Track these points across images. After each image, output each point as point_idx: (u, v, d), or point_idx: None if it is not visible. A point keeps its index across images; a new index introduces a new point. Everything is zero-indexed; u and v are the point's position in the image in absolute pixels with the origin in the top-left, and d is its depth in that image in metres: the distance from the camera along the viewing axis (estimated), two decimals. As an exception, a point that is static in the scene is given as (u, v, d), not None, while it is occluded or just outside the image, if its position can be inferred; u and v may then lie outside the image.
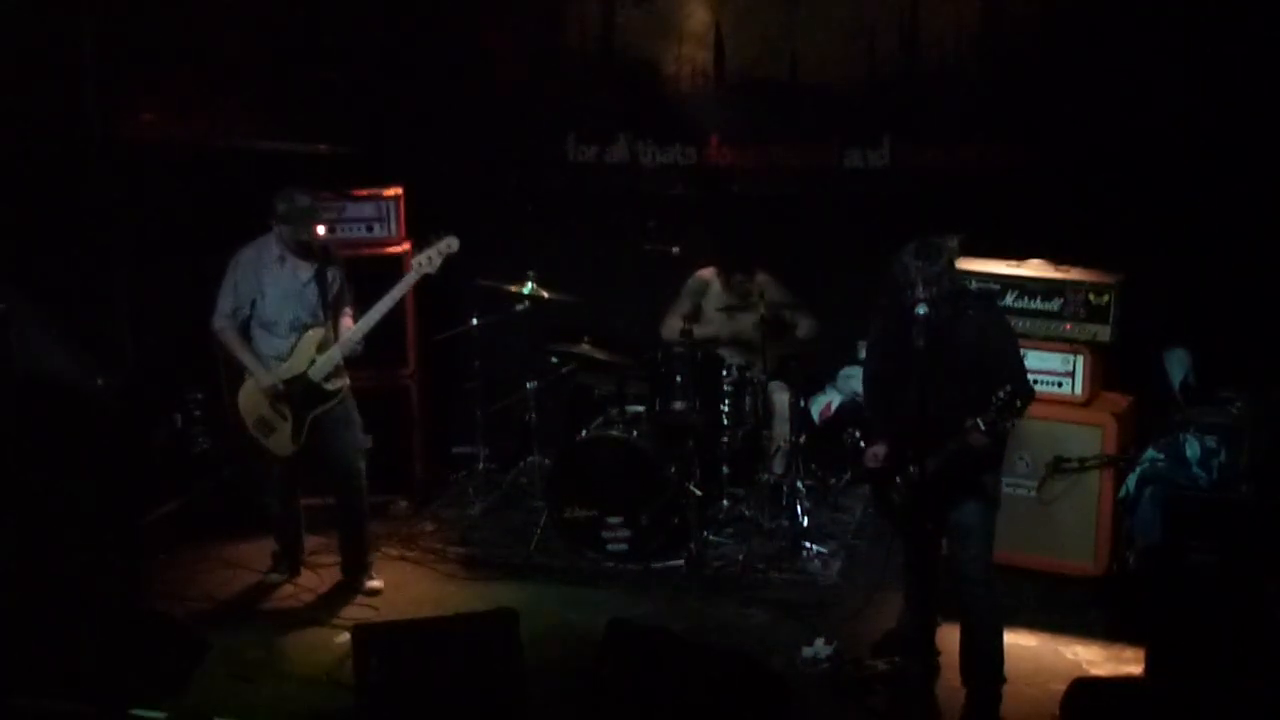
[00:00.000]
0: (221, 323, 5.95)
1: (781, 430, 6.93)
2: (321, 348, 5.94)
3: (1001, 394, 4.61)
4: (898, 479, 4.94)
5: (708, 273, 7.11)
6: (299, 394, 5.95)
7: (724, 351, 6.88)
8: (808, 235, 7.43)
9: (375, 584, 6.25)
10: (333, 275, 6.01)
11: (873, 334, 5.23)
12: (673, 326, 6.99)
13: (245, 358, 5.96)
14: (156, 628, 5.63)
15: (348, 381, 6.07)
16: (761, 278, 7.00)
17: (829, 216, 7.45)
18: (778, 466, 6.93)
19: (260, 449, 6.07)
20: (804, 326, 6.92)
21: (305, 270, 5.95)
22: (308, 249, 5.93)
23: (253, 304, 5.94)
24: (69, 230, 6.64)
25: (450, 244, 5.94)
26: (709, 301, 7.12)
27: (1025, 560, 6.16)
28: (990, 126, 7.22)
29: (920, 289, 4.69)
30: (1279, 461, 5.77)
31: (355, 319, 6.04)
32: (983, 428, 4.64)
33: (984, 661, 5.06)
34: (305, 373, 5.94)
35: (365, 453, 6.24)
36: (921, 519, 4.95)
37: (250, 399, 6.00)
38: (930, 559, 5.06)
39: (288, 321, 5.94)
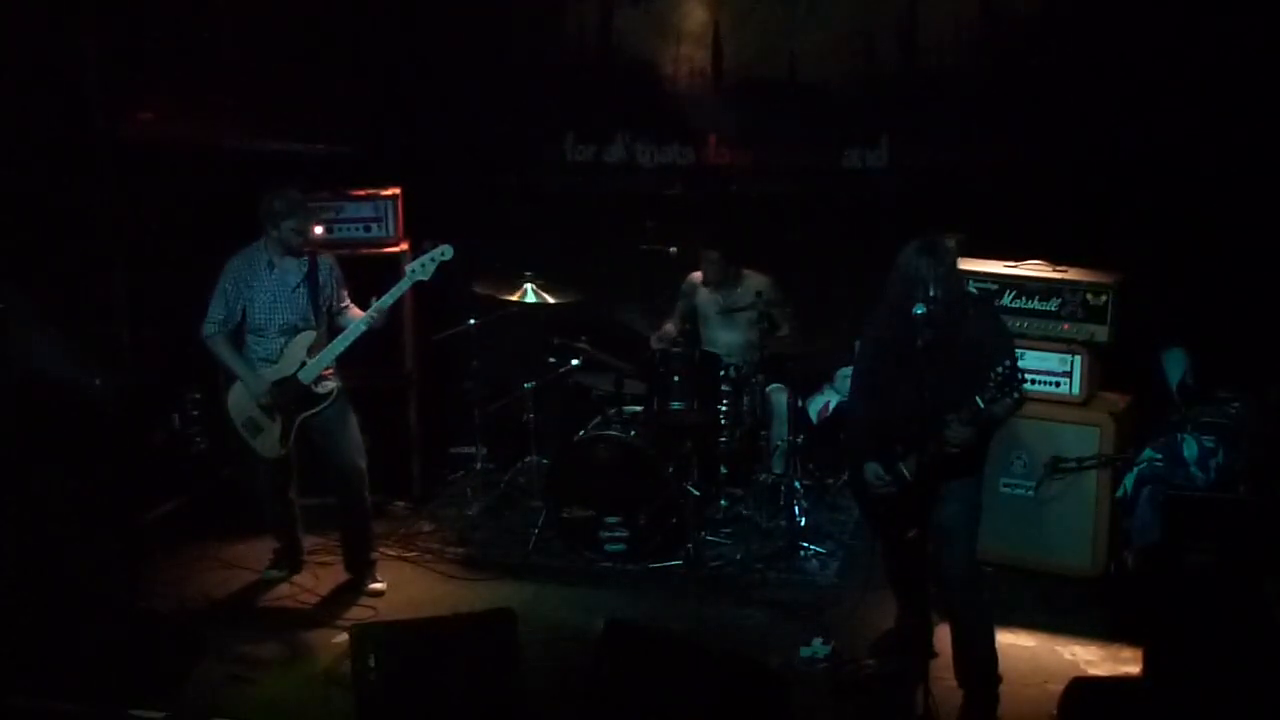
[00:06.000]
0: (211, 330, 5.94)
1: (779, 430, 6.94)
2: (312, 351, 5.94)
3: (1000, 369, 4.60)
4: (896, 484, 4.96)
5: (697, 275, 7.13)
6: (288, 397, 5.95)
7: (724, 352, 6.89)
8: (806, 235, 7.43)
9: (378, 585, 6.25)
10: (323, 277, 6.01)
11: (867, 335, 5.22)
12: (665, 332, 7.05)
13: (236, 366, 5.96)
14: (155, 627, 5.66)
15: (339, 384, 6.07)
16: (756, 278, 7.00)
17: (827, 217, 7.45)
18: (776, 466, 6.93)
19: (249, 449, 6.08)
20: (785, 327, 6.92)
21: (294, 274, 5.95)
22: (299, 251, 5.92)
23: (243, 311, 5.94)
24: (69, 230, 6.65)
25: (444, 252, 5.94)
26: (705, 305, 7.12)
27: (1023, 560, 6.18)
28: (989, 126, 7.22)
29: (931, 287, 4.68)
30: (1277, 462, 5.77)
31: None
32: (981, 405, 4.64)
33: (976, 663, 5.07)
34: (295, 375, 5.94)
35: (365, 452, 6.24)
36: (907, 522, 4.95)
37: (240, 399, 6.01)
38: (917, 560, 5.06)
39: (277, 326, 5.94)
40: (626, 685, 4.64)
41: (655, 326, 7.19)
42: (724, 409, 6.70)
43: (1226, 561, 5.17)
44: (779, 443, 6.92)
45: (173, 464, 7.06)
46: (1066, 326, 6.17)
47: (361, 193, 7.14)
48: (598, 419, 6.88)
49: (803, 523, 6.73)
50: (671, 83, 7.65)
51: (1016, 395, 4.70)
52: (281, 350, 5.96)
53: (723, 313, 7.03)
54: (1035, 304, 6.21)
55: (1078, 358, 6.16)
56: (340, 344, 5.96)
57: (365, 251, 6.99)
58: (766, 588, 6.29)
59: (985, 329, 4.91)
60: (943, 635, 5.21)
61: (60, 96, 6.71)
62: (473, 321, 7.07)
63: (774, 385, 6.96)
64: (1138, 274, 6.29)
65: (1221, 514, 5.40)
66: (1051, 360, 6.18)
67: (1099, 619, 5.84)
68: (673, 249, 7.08)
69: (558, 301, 6.92)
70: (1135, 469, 5.96)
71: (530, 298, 6.87)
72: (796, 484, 6.83)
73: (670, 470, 6.50)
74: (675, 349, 6.72)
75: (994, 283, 6.28)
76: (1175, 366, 6.30)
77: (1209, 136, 6.69)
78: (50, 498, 5.97)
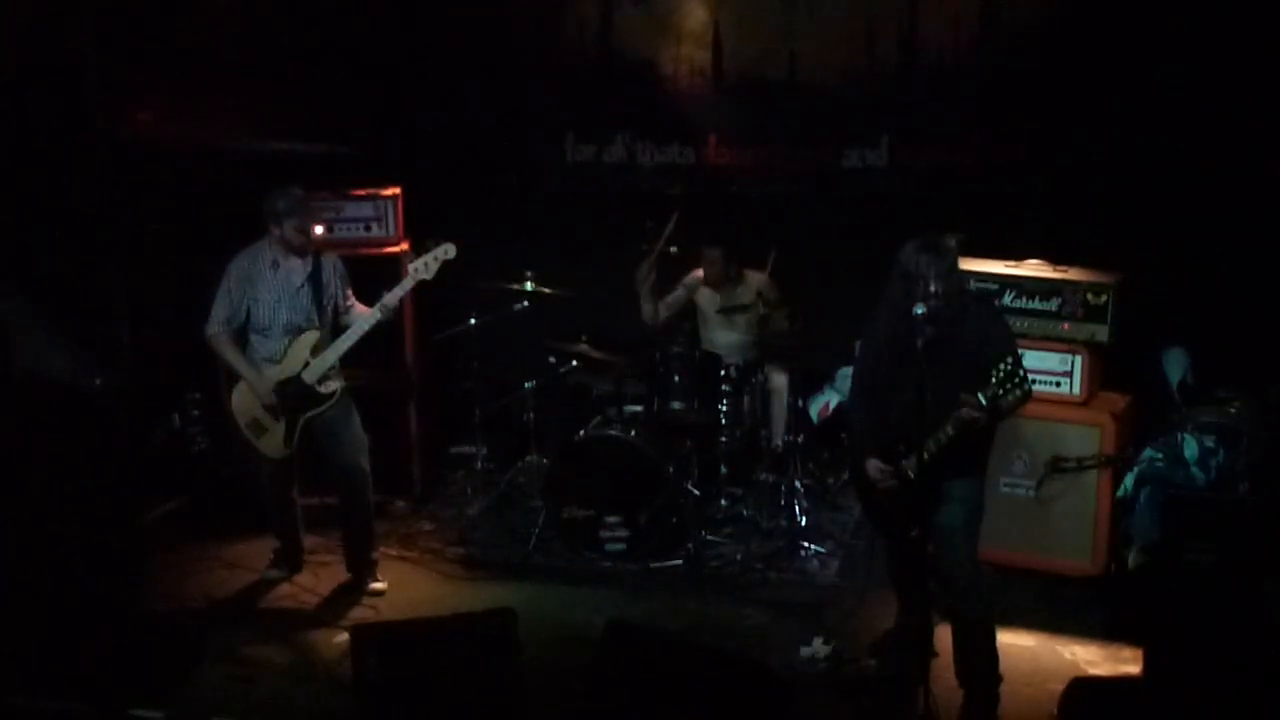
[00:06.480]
0: (215, 329, 5.94)
1: (779, 429, 6.94)
2: (316, 350, 5.94)
3: (1004, 366, 4.60)
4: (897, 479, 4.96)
5: (700, 273, 7.13)
6: (292, 397, 5.95)
7: (724, 351, 6.89)
8: (806, 235, 7.43)
9: (379, 585, 6.25)
10: (327, 276, 6.01)
11: (868, 335, 5.21)
12: (650, 304, 7.07)
13: (240, 365, 5.96)
14: (155, 627, 5.65)
15: (343, 384, 6.07)
16: (756, 277, 7.00)
17: (827, 217, 7.46)
18: (775, 465, 6.93)
19: (252, 449, 6.08)
20: (778, 320, 6.92)
21: (299, 274, 5.95)
22: (302, 250, 5.92)
23: (247, 311, 5.94)
24: (69, 230, 6.65)
25: (447, 250, 5.94)
26: (706, 304, 7.13)
27: (1023, 560, 6.16)
28: (989, 126, 7.23)
29: (932, 284, 4.68)
30: (1277, 461, 5.78)
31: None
32: (984, 401, 4.63)
33: (977, 662, 5.07)
34: (299, 375, 5.94)
35: (368, 452, 6.24)
36: (908, 521, 4.95)
37: (244, 400, 6.01)
38: (920, 560, 5.07)
39: (281, 325, 5.94)
40: (626, 685, 4.63)
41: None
42: (724, 408, 6.70)
43: (1226, 561, 5.17)
44: (779, 442, 6.92)
45: (173, 464, 7.06)
46: (1066, 326, 6.16)
47: (361, 193, 7.14)
48: (598, 419, 6.88)
49: (803, 523, 6.73)
50: (671, 83, 7.67)
51: (1019, 393, 4.70)
52: (285, 350, 5.96)
53: (723, 312, 7.03)
54: (1035, 304, 6.21)
55: (1078, 358, 6.16)
56: (344, 344, 5.96)
57: (365, 251, 6.98)
58: (766, 587, 6.29)
59: (986, 327, 4.91)
60: (943, 635, 5.21)
61: (60, 96, 6.71)
62: (473, 321, 7.08)
63: (774, 371, 6.92)
64: (1138, 274, 6.28)
65: (1221, 514, 5.41)
66: (1051, 360, 6.17)
67: (1099, 619, 5.84)
68: (673, 249, 7.08)
69: (555, 292, 6.93)
70: (1135, 469, 5.96)
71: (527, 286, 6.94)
72: (796, 484, 6.83)
73: (670, 470, 6.50)
74: (675, 348, 6.72)
75: (994, 283, 6.27)
76: (1175, 366, 6.30)
77: (1209, 136, 6.70)
78: (50, 498, 5.96)
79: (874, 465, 4.99)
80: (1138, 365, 6.39)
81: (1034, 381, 5.62)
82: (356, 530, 6.28)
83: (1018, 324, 6.02)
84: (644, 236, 7.12)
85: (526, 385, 7.17)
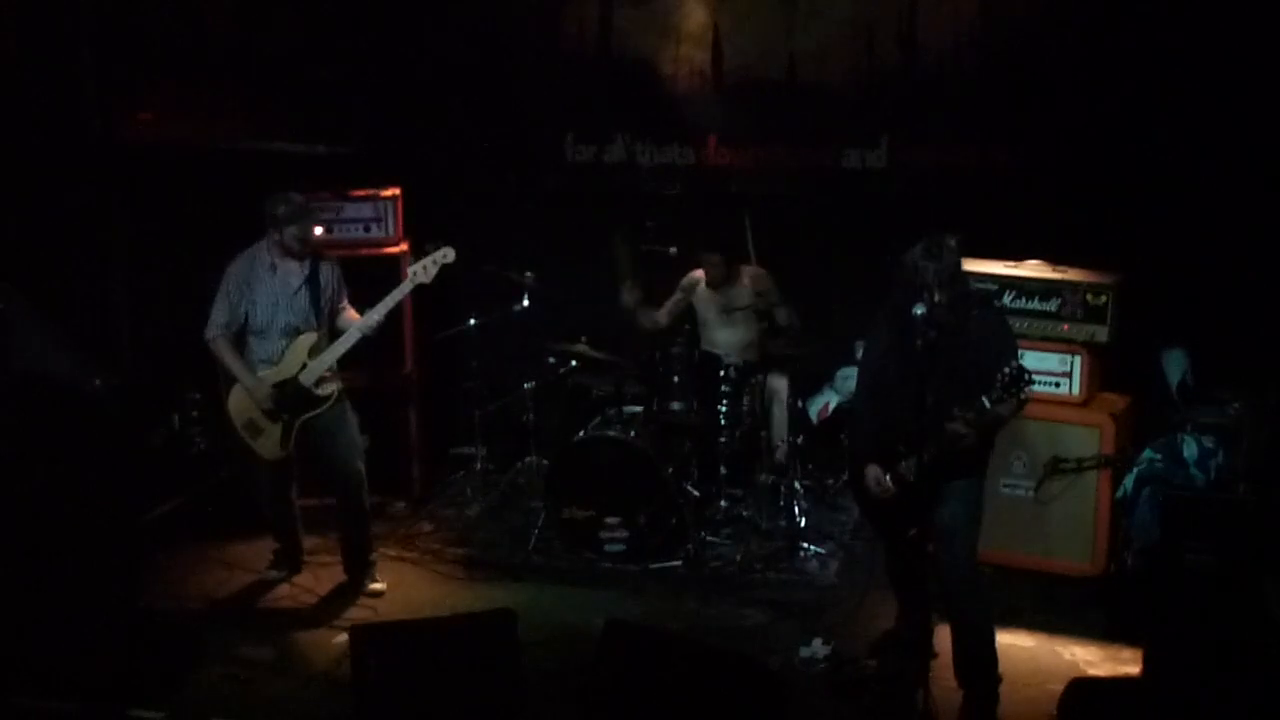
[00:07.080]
0: (214, 333, 5.93)
1: (779, 431, 6.94)
2: (313, 352, 5.94)
3: (1007, 370, 4.61)
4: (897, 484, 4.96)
5: (699, 273, 7.13)
6: (289, 399, 5.95)
7: (723, 352, 6.89)
8: (805, 236, 7.43)
9: (377, 586, 6.25)
10: (325, 279, 6.01)
11: (873, 335, 5.21)
12: (649, 315, 7.09)
13: (237, 369, 5.95)
14: (155, 627, 5.66)
15: (340, 386, 6.06)
16: (750, 273, 7.00)
17: (827, 217, 7.46)
18: (775, 467, 6.93)
19: (249, 451, 6.08)
20: (782, 315, 6.91)
21: (296, 276, 5.95)
22: (300, 253, 5.93)
23: (245, 313, 5.94)
24: (69, 230, 6.65)
25: (446, 254, 5.94)
26: (704, 305, 7.12)
27: (1023, 560, 6.17)
28: (989, 127, 7.23)
29: (935, 286, 4.69)
30: (1276, 462, 5.77)
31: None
32: (987, 405, 4.63)
33: (976, 663, 5.06)
34: (295, 377, 5.94)
35: (364, 454, 6.24)
36: (907, 522, 4.95)
37: (240, 401, 6.00)
38: (919, 560, 5.07)
39: (279, 328, 5.94)
40: (626, 685, 4.64)
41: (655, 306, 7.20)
42: (724, 409, 6.70)
43: (1226, 562, 5.17)
44: (779, 443, 6.92)
45: (172, 464, 7.06)
46: (1066, 326, 6.16)
47: (361, 193, 7.14)
48: (598, 419, 6.88)
49: (803, 523, 6.73)
50: (671, 83, 7.66)
51: (1022, 397, 4.70)
52: (283, 352, 5.96)
53: (723, 312, 7.02)
54: (1035, 304, 6.21)
55: (1077, 358, 6.15)
56: (341, 346, 5.97)
57: (365, 252, 6.99)
58: (766, 588, 6.29)
59: (990, 330, 4.91)
60: (943, 635, 5.20)
61: (59, 96, 6.71)
62: (473, 321, 7.08)
63: (774, 373, 6.94)
64: (1137, 274, 6.28)
65: (1221, 514, 5.40)
66: (1051, 360, 6.17)
67: (1099, 619, 5.84)
68: (673, 249, 7.08)
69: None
70: (1135, 469, 5.96)
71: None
72: (796, 484, 6.82)
73: (670, 470, 6.50)
74: (675, 348, 6.72)
75: (994, 283, 6.27)
76: (1175, 366, 6.30)
77: (1209, 136, 6.70)
78: (50, 498, 5.96)
79: (873, 474, 4.99)
80: (1138, 365, 6.39)
81: (1034, 382, 5.65)
82: (354, 532, 6.28)
83: (1018, 324, 6.01)
84: (644, 236, 7.12)
85: (526, 385, 7.17)
